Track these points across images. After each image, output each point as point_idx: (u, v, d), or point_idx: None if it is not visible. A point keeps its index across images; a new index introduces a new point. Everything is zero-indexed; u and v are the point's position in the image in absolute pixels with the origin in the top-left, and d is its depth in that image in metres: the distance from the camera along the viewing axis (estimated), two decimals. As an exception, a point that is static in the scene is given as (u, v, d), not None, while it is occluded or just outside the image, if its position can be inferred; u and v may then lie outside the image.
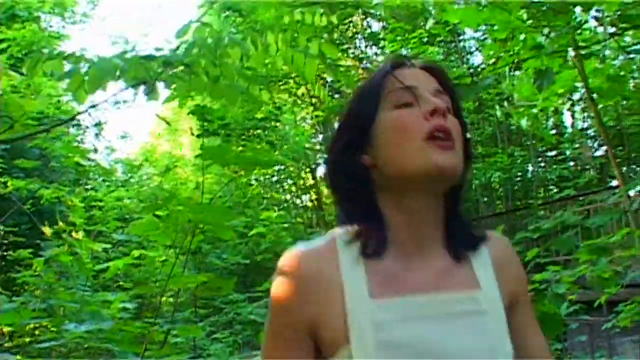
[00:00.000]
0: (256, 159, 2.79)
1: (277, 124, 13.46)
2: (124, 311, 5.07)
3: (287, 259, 1.10)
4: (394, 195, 1.11)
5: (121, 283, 8.66)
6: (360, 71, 16.31)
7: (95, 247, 5.30)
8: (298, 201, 18.00)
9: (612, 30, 3.50)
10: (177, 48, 2.31)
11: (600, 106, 3.99)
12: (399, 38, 12.91)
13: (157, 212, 3.31)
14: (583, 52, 3.25)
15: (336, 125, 1.24)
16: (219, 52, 2.28)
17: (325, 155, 1.22)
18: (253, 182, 16.21)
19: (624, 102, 11.14)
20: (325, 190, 17.48)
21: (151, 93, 2.22)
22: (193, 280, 3.06)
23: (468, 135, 1.18)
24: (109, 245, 6.55)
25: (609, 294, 3.43)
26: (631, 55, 3.77)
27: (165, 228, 2.98)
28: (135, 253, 5.82)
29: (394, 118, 1.11)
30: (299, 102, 17.05)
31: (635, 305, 3.36)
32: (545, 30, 3.53)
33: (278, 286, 1.09)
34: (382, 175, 1.12)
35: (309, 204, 17.97)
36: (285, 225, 9.32)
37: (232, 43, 2.26)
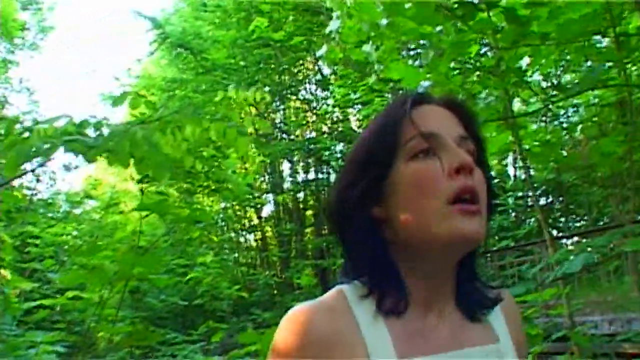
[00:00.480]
0: (191, 215, 2.82)
1: (222, 163, 13.45)
2: (54, 353, 4.94)
3: (294, 319, 0.95)
4: (407, 255, 0.99)
5: (59, 318, 8.46)
6: (309, 114, 16.50)
7: (23, 285, 5.15)
8: (242, 240, 17.91)
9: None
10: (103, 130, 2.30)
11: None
12: (349, 83, 13.11)
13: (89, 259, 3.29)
14: (517, 117, 3.35)
15: (345, 165, 1.08)
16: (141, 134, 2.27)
17: (330, 200, 1.07)
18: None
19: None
20: (269, 231, 17.45)
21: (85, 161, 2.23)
22: (120, 330, 3.01)
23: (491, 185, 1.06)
24: (37, 284, 6.36)
25: (536, 352, 3.50)
26: (565, 116, 3.91)
27: (96, 276, 2.96)
28: (69, 294, 5.70)
29: (413, 172, 0.97)
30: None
31: (561, 365, 3.43)
32: (483, 94, 3.65)
33: (285, 352, 0.94)
34: (395, 233, 0.99)
35: (253, 243, 17.89)
36: (221, 270, 9.27)
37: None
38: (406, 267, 0.99)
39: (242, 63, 14.65)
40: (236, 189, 13.47)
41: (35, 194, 14.53)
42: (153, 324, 12.88)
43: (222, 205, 16.66)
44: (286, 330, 0.94)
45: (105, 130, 2.21)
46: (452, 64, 3.59)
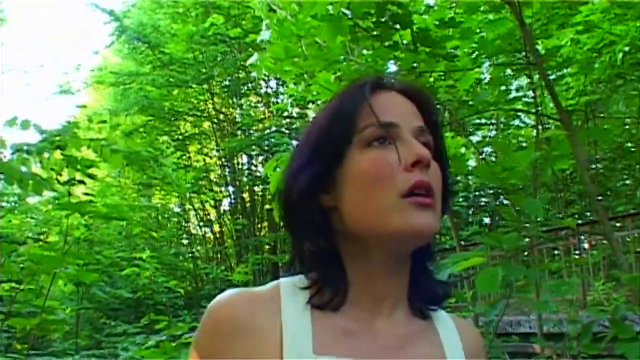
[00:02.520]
0: (108, 213, 3.03)
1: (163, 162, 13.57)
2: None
3: (217, 300, 0.92)
4: (355, 246, 0.93)
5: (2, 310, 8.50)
6: (266, 110, 16.66)
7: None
8: (201, 233, 17.99)
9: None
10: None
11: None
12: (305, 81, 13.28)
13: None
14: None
15: (297, 145, 1.03)
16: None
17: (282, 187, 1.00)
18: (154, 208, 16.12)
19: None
20: (226, 224, 17.56)
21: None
22: (27, 322, 3.27)
23: (448, 176, 1.00)
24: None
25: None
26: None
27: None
28: (6, 286, 5.82)
29: (367, 162, 0.91)
30: (205, 135, 17.24)
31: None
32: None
33: (201, 329, 0.91)
34: (344, 223, 0.93)
35: (211, 236, 17.95)
36: (159, 264, 9.44)
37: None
38: (351, 259, 0.94)
39: (200, 58, 14.74)
40: (176, 185, 13.59)
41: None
42: (105, 316, 12.96)
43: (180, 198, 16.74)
44: (206, 313, 0.92)
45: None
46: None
